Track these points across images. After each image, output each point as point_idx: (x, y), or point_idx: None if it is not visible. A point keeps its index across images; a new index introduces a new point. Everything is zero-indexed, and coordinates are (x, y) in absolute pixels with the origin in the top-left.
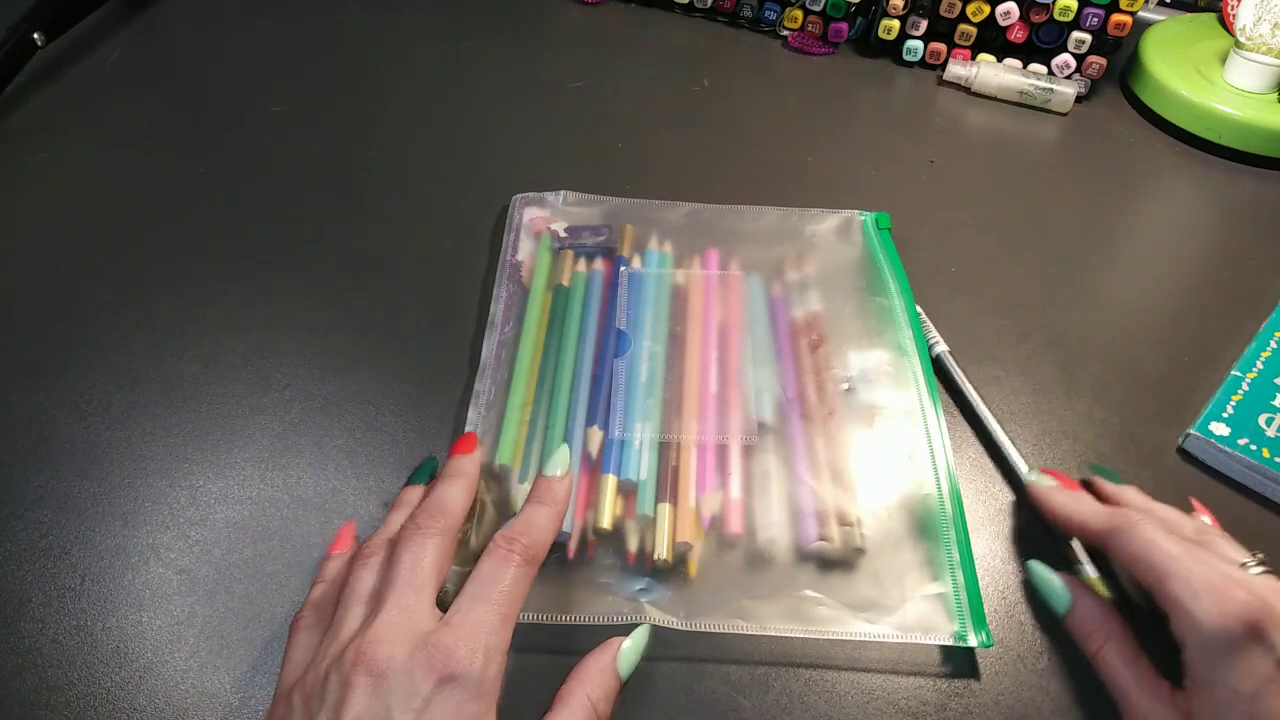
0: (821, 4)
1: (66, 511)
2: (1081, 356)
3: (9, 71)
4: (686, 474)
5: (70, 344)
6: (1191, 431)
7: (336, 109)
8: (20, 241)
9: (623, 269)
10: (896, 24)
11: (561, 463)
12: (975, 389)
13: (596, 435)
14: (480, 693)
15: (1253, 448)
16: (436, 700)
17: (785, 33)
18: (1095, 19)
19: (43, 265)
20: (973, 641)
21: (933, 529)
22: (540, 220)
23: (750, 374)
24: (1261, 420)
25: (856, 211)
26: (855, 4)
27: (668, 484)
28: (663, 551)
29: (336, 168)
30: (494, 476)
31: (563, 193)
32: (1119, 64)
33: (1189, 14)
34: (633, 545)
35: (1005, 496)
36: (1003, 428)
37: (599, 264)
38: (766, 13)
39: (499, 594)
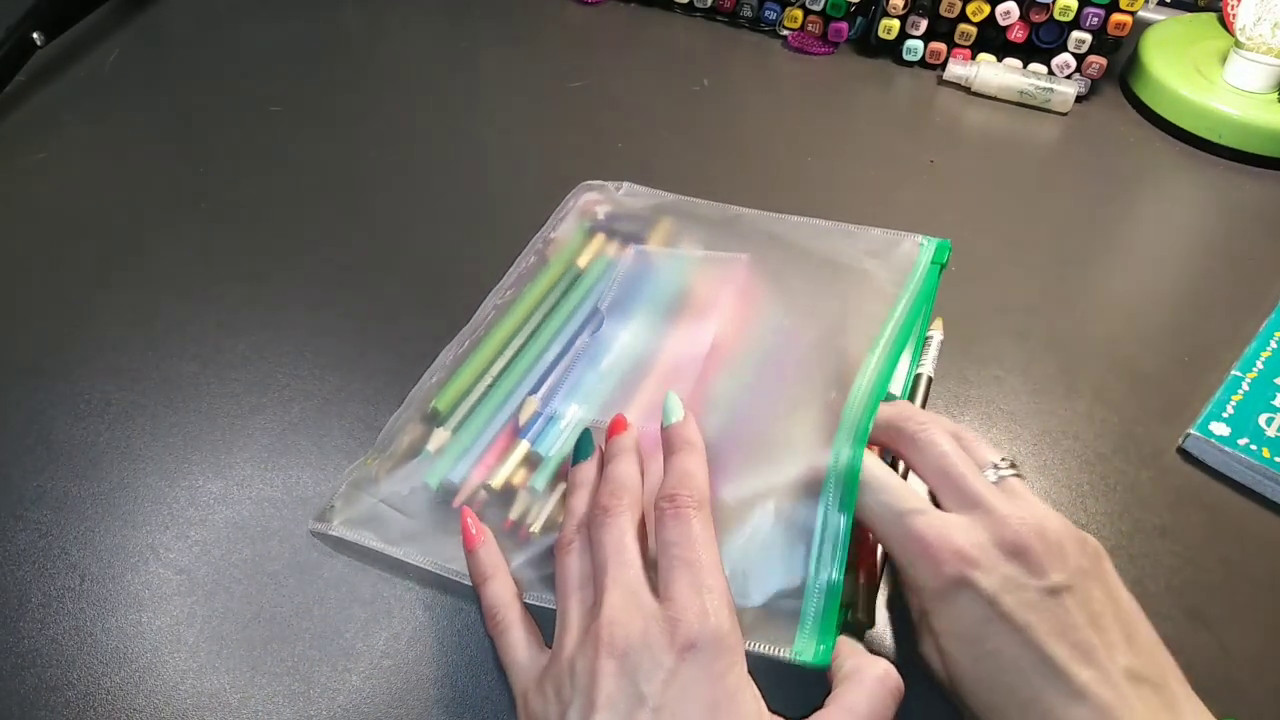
0: (821, 4)
1: (66, 511)
2: (1081, 356)
3: (8, 71)
4: None
5: (70, 344)
6: (1191, 431)
7: (335, 109)
8: (19, 241)
9: (633, 247)
10: (896, 24)
11: (676, 408)
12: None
13: (531, 404)
14: (723, 649)
15: (1253, 447)
16: (682, 669)
17: (785, 32)
18: (1095, 19)
19: (42, 265)
20: (805, 657)
21: (810, 519)
22: (591, 203)
23: (719, 388)
24: (1261, 420)
25: (918, 238)
26: (855, 4)
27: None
28: (536, 526)
29: (335, 167)
30: (423, 418)
31: (625, 184)
32: (1119, 64)
33: (1189, 14)
34: (513, 514)
35: None
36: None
37: (628, 250)
38: (766, 12)
39: (694, 550)
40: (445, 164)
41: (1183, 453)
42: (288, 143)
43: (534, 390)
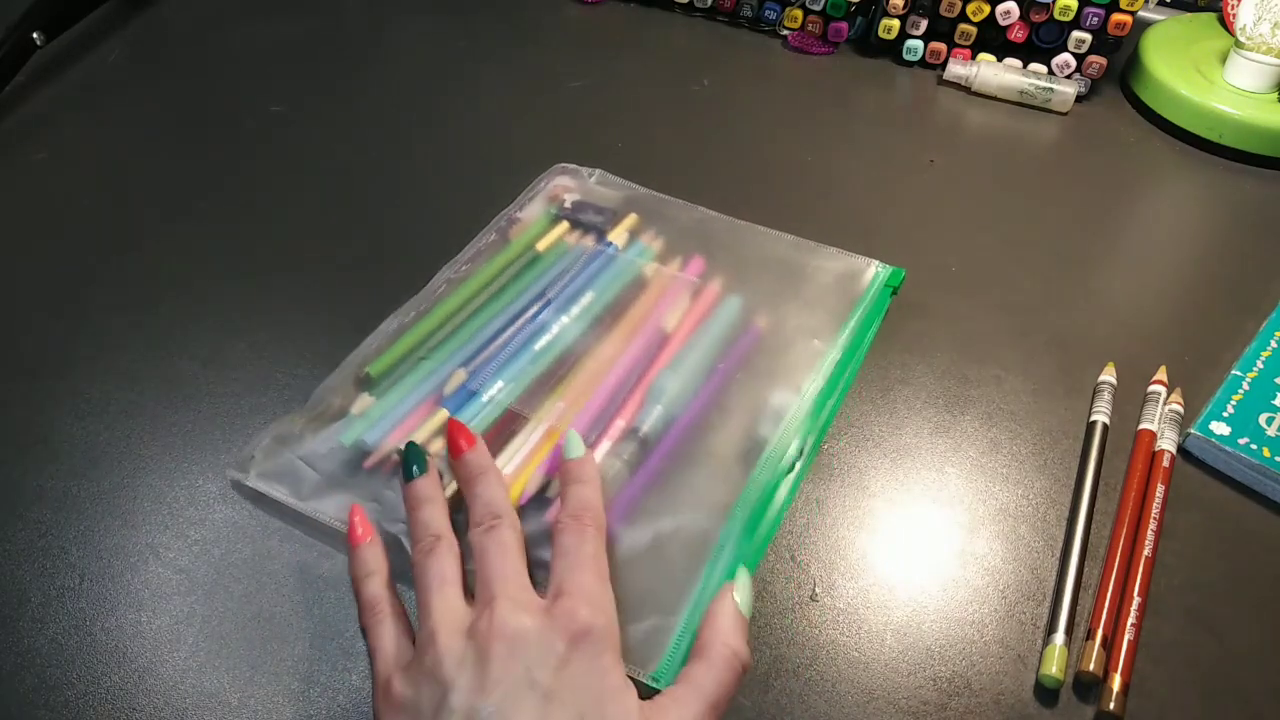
0: (821, 3)
1: (65, 511)
2: (1081, 356)
3: (8, 71)
4: (518, 445)
5: (70, 344)
6: (1192, 431)
7: (336, 108)
8: (19, 241)
9: (606, 247)
10: (896, 23)
11: (577, 445)
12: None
13: (458, 376)
14: (610, 644)
15: (1253, 447)
16: (573, 659)
17: (785, 32)
18: (1095, 18)
19: (41, 265)
20: (664, 684)
21: (699, 566)
22: (561, 189)
23: (660, 383)
24: (1262, 420)
25: (874, 263)
26: (855, 3)
27: (495, 438)
28: (446, 493)
29: (336, 167)
30: (355, 381)
31: (597, 171)
32: (1119, 64)
33: (1189, 14)
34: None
35: (1005, 495)
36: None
37: (588, 240)
38: (766, 12)
39: (590, 561)
40: (446, 163)
41: (1183, 452)
42: (288, 142)
43: (465, 364)
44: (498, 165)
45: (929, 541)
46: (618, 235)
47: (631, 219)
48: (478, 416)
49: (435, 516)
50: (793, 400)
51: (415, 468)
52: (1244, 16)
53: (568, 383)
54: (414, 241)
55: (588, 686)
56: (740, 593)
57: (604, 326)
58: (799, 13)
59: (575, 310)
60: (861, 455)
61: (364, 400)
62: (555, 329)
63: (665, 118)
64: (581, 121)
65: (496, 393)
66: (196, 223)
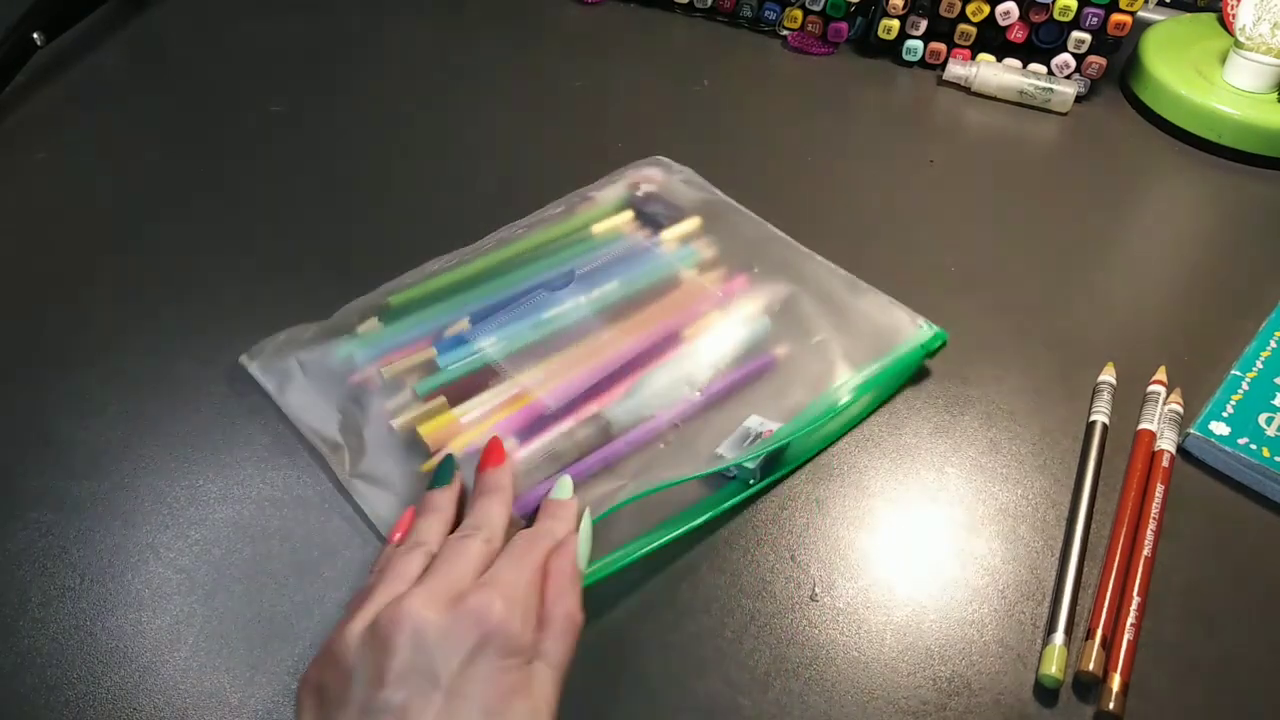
0: (821, 4)
1: (66, 511)
2: (1081, 356)
3: (8, 71)
4: (486, 399)
5: (70, 344)
6: (1191, 431)
7: (336, 109)
8: (19, 241)
9: (652, 243)
10: (896, 24)
11: (566, 489)
12: None
13: (461, 324)
14: (518, 648)
15: (1253, 447)
16: (479, 658)
17: (785, 32)
18: (1095, 19)
19: (42, 265)
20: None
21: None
22: (642, 178)
23: (647, 380)
24: (1261, 419)
25: (920, 322)
26: (855, 4)
27: (459, 388)
28: (397, 422)
29: (336, 167)
30: (375, 308)
31: (687, 169)
32: (1119, 64)
33: (1189, 14)
34: (389, 404)
35: (1005, 494)
36: None
37: (643, 233)
38: (766, 12)
39: (529, 563)
40: (446, 163)
41: (1183, 452)
42: (288, 142)
43: (474, 315)
44: (498, 164)
45: (929, 541)
46: (671, 234)
47: (694, 222)
48: (460, 362)
49: (433, 528)
50: (766, 428)
51: (441, 479)
52: (1243, 17)
53: (558, 356)
54: (414, 240)
55: (491, 686)
56: (582, 543)
57: (615, 315)
58: (799, 13)
59: (595, 293)
60: (861, 455)
61: (371, 323)
62: (567, 305)
63: (665, 118)
64: (582, 121)
65: (488, 346)
66: (196, 222)
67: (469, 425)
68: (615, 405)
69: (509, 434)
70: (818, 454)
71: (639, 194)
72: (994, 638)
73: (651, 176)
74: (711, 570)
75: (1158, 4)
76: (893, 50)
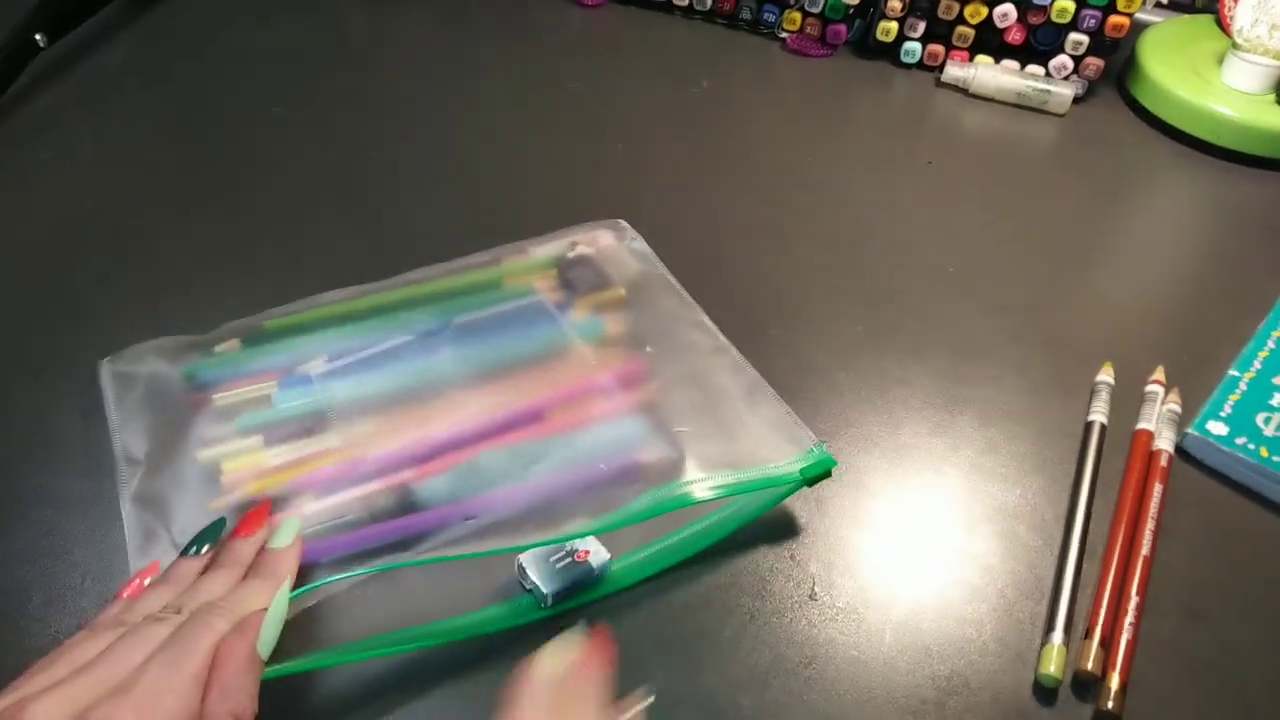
0: (820, 6)
1: (67, 510)
2: (1079, 356)
3: (11, 72)
4: (301, 446)
5: (71, 344)
6: (1189, 431)
7: (339, 110)
8: (21, 241)
9: (557, 309)
10: (894, 26)
11: (287, 534)
12: None
13: (318, 363)
14: None
15: (1250, 447)
16: None
17: (784, 35)
18: (1092, 20)
19: (44, 265)
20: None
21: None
22: (585, 240)
23: (477, 461)
24: (1259, 419)
25: (810, 445)
26: (853, 6)
27: (284, 429)
28: (227, 465)
29: (339, 169)
30: (248, 328)
31: (640, 238)
32: (1116, 65)
33: (1186, 15)
34: (210, 432)
35: (1003, 494)
36: None
37: (556, 296)
38: (765, 14)
39: (185, 657)
40: (446, 164)
41: (1181, 452)
42: (290, 143)
43: (334, 355)
44: (497, 165)
45: (927, 541)
46: (585, 302)
47: (616, 293)
48: (294, 403)
49: (157, 604)
50: (583, 550)
51: (195, 547)
52: (1241, 18)
53: (400, 413)
54: (414, 240)
55: None
56: (269, 624)
57: (481, 378)
58: (798, 15)
59: (467, 350)
60: (860, 455)
61: (232, 344)
62: (433, 358)
63: (665, 120)
64: (581, 123)
65: (330, 390)
66: (198, 223)
67: (276, 470)
68: (434, 479)
69: (313, 488)
70: (650, 578)
71: (571, 255)
72: (993, 636)
73: (596, 239)
74: (711, 569)
75: (1155, 5)
76: (891, 52)
